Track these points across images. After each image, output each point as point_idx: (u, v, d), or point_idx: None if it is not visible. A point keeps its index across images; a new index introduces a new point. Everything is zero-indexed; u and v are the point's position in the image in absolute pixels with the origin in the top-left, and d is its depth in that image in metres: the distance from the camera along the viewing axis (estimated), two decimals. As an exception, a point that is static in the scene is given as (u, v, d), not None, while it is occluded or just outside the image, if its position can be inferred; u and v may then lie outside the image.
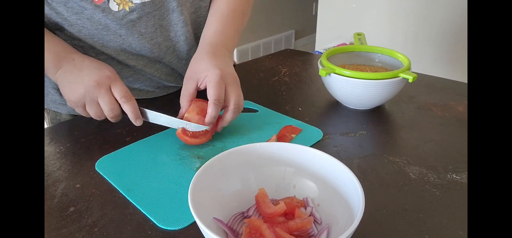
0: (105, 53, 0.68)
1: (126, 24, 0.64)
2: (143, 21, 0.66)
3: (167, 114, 0.60)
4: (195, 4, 0.72)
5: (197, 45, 0.79)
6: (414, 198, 0.48)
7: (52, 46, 0.61)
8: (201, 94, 0.62)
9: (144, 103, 0.69)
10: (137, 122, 0.59)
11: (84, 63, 0.60)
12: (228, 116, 0.60)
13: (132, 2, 0.63)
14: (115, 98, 0.58)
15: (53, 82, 0.72)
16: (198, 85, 0.61)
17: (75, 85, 0.58)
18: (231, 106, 0.59)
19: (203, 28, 0.77)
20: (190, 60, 0.78)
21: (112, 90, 0.58)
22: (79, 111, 0.60)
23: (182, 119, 0.60)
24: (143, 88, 0.77)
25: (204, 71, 0.60)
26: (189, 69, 0.64)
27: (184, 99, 0.61)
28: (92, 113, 0.59)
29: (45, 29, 0.63)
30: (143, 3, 0.64)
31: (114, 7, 0.62)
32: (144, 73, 0.74)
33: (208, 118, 0.58)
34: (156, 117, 0.60)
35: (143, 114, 0.60)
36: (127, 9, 0.63)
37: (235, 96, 0.60)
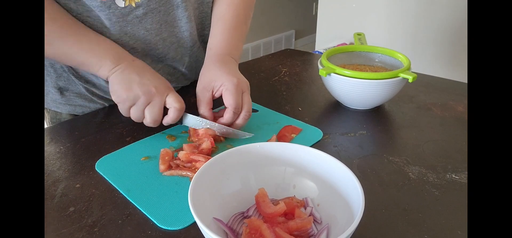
0: None
1: (132, 20, 0.65)
2: (149, 17, 0.66)
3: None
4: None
5: (200, 42, 0.79)
6: (414, 198, 0.48)
7: (112, 46, 0.63)
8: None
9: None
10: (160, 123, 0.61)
11: (146, 68, 0.62)
12: (240, 121, 0.61)
13: None
14: (162, 110, 0.60)
15: (53, 81, 0.73)
16: (214, 93, 0.62)
17: (133, 84, 0.58)
18: (244, 113, 0.61)
19: (206, 23, 0.77)
20: (192, 57, 0.78)
21: (167, 98, 0.59)
22: (123, 107, 0.60)
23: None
24: None
25: (219, 80, 0.61)
26: (201, 79, 0.65)
27: (205, 109, 0.62)
28: (134, 114, 0.60)
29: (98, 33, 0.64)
30: None
31: (120, 3, 0.62)
32: None
33: (224, 122, 0.60)
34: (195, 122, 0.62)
35: (183, 119, 0.63)
36: (133, 5, 0.63)
37: (248, 103, 0.62)
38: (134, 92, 0.58)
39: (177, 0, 0.68)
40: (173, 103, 0.59)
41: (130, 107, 0.59)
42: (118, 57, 0.61)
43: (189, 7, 0.70)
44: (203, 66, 0.67)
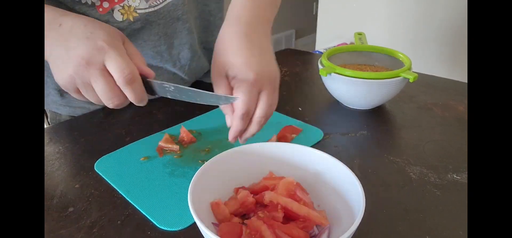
0: None
1: (129, 33, 0.64)
2: (147, 30, 0.65)
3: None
4: (199, 8, 0.72)
5: (202, 52, 0.77)
6: (415, 198, 0.47)
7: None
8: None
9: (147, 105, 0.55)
10: (142, 103, 0.45)
11: (72, 31, 0.43)
12: (252, 129, 0.47)
13: (136, 12, 0.62)
14: (111, 82, 0.42)
15: (54, 82, 0.72)
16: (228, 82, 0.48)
17: (62, 64, 0.43)
18: (256, 118, 0.46)
19: (209, 31, 0.75)
20: (192, 65, 0.75)
21: (107, 65, 0.41)
22: (75, 96, 0.45)
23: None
24: None
25: (232, 69, 0.46)
26: (216, 59, 0.48)
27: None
28: (90, 99, 0.44)
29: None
30: (147, 13, 0.63)
31: (118, 17, 0.61)
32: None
33: (231, 135, 0.47)
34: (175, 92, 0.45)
35: (153, 89, 0.45)
36: (131, 19, 0.62)
37: (265, 106, 0.46)
38: (66, 73, 0.43)
39: (178, 12, 0.66)
40: (115, 72, 0.41)
41: (78, 92, 0.45)
42: (45, 29, 0.44)
43: (190, 19, 0.68)
44: (221, 35, 0.50)
